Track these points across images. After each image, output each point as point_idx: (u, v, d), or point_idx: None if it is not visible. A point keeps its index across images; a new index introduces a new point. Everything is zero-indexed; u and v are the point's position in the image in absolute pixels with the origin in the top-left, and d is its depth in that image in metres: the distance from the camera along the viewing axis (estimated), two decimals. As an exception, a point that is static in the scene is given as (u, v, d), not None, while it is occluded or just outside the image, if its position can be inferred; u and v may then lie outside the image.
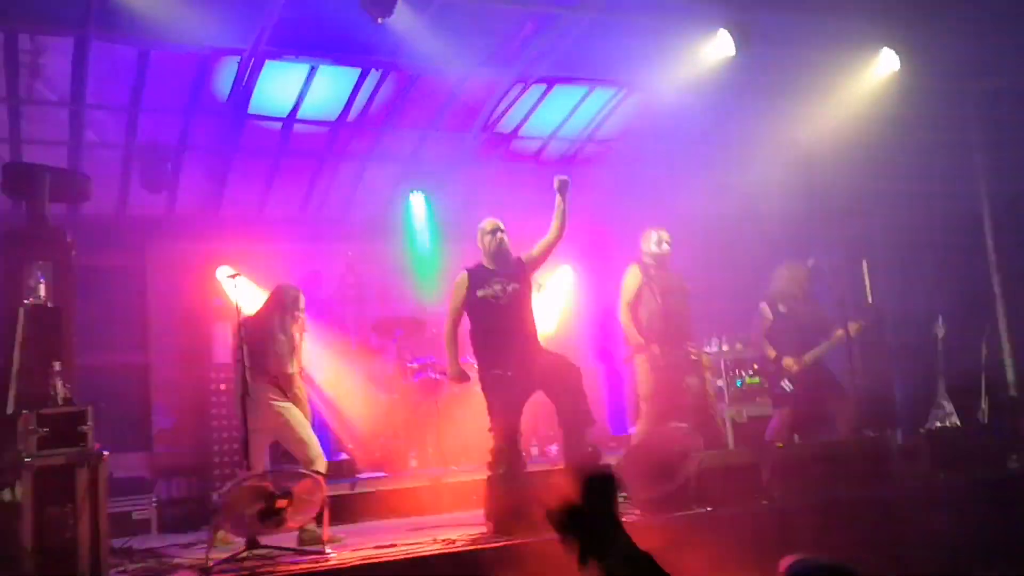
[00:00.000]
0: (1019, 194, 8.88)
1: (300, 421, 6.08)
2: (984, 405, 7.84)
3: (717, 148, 9.16)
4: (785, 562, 1.87)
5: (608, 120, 9.79)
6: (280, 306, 6.24)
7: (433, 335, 9.13)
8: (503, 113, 9.34)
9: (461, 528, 5.81)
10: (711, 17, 7.72)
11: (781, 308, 7.68)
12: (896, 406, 9.48)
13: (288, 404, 6.09)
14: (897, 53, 8.34)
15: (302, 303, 6.35)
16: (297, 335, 6.24)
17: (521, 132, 9.79)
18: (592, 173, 9.91)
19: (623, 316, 7.21)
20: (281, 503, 5.11)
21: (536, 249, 6.28)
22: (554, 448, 8.80)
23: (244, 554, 5.09)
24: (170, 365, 8.96)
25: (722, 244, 9.22)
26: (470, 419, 7.83)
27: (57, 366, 4.73)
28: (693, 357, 7.23)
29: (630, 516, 5.80)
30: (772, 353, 7.64)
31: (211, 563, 4.85)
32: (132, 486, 7.75)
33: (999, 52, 8.13)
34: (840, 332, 7.46)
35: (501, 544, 5.12)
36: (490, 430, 6.04)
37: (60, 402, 4.63)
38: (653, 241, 7.20)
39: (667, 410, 6.95)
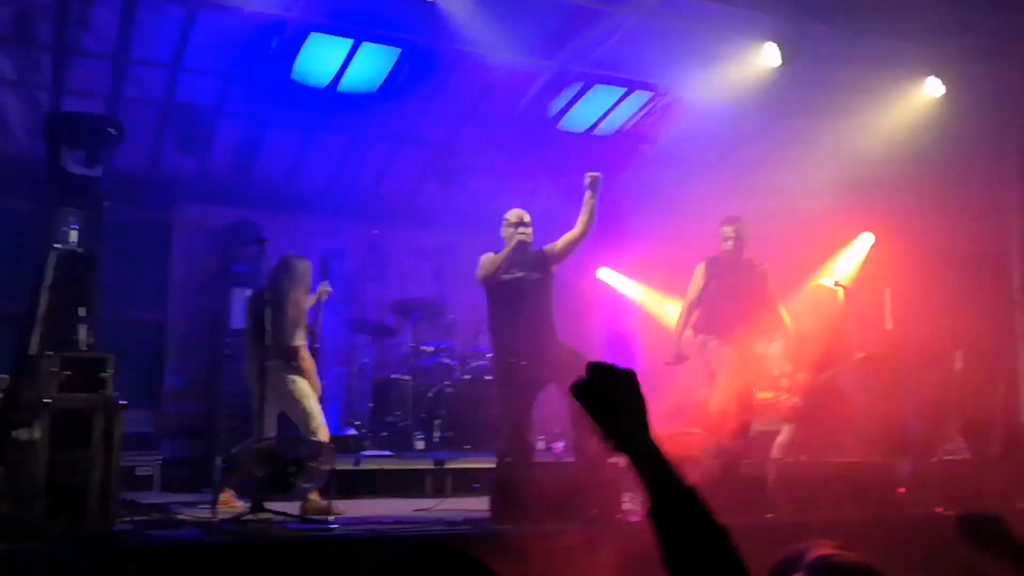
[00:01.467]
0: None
1: (305, 392, 6.10)
2: (997, 442, 7.78)
3: (754, 161, 9.11)
4: (811, 553, 1.83)
5: (645, 122, 9.76)
6: (289, 277, 6.25)
7: (450, 321, 9.16)
8: (540, 106, 9.33)
9: (464, 512, 5.82)
10: (760, 28, 7.68)
11: (803, 325, 7.65)
12: (907, 435, 9.42)
13: (294, 375, 6.12)
14: (943, 81, 8.28)
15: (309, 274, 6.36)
16: (305, 306, 6.26)
17: (558, 126, 9.77)
18: (623, 172, 9.88)
19: (677, 317, 7.12)
20: (290, 470, 5.13)
21: (560, 243, 6.28)
22: (560, 445, 8.79)
23: (248, 516, 5.11)
24: (186, 326, 9.01)
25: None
26: (481, 405, 7.86)
27: (83, 312, 4.76)
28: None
29: (633, 519, 5.79)
30: (788, 367, 7.61)
31: (216, 521, 4.87)
32: (138, 442, 7.76)
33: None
34: (859, 355, 7.45)
35: (504, 531, 5.12)
36: (499, 417, 6.05)
37: (83, 348, 4.65)
38: (721, 236, 7.09)
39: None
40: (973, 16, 7.12)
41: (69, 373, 4.38)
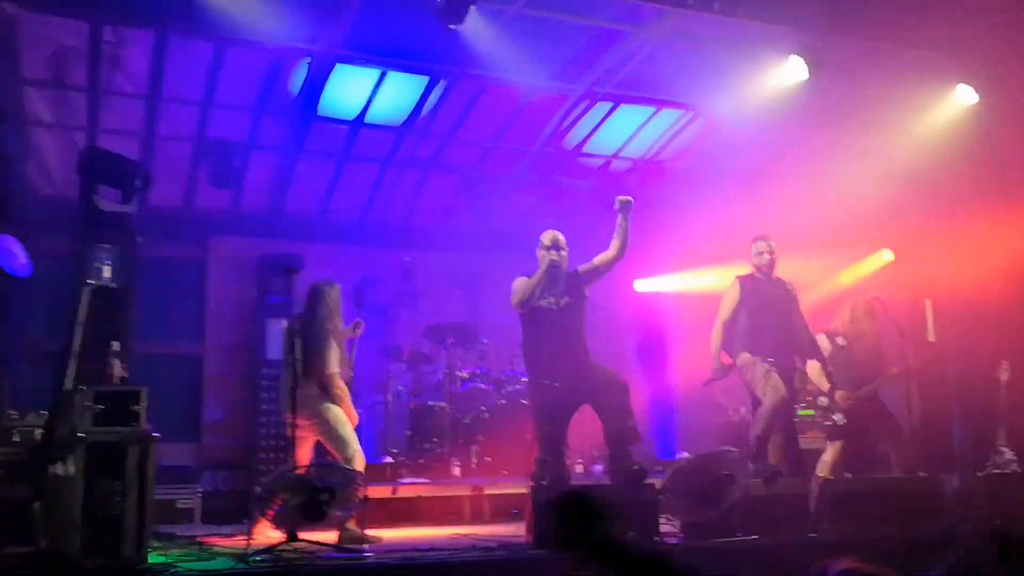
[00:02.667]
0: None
1: (341, 419, 6.09)
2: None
3: (784, 176, 9.04)
4: (834, 567, 1.79)
5: (673, 141, 9.75)
6: (324, 304, 6.26)
7: (484, 346, 9.16)
8: (568, 128, 9.35)
9: (501, 538, 5.78)
10: (784, 42, 7.63)
11: (840, 341, 7.52)
12: (954, 448, 9.21)
13: (329, 403, 6.11)
14: (974, 89, 8.15)
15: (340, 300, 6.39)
16: (340, 333, 6.26)
17: (585, 149, 9.79)
18: (654, 193, 9.87)
19: (713, 335, 7.01)
20: (323, 498, 5.12)
21: (593, 264, 6.28)
22: (598, 468, 8.72)
23: (283, 546, 5.11)
24: (224, 358, 9.09)
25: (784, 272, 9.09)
26: (517, 430, 7.81)
27: (116, 346, 4.82)
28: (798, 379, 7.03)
29: (672, 540, 5.72)
30: (826, 385, 7.47)
31: (250, 552, 4.88)
32: (179, 475, 7.82)
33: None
34: (895, 370, 7.32)
35: (540, 556, 5.07)
36: (535, 440, 6.01)
37: (117, 381, 4.71)
38: (754, 251, 7.04)
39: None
40: (1001, 20, 7.01)
41: (103, 407, 4.42)
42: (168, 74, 7.83)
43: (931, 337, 8.68)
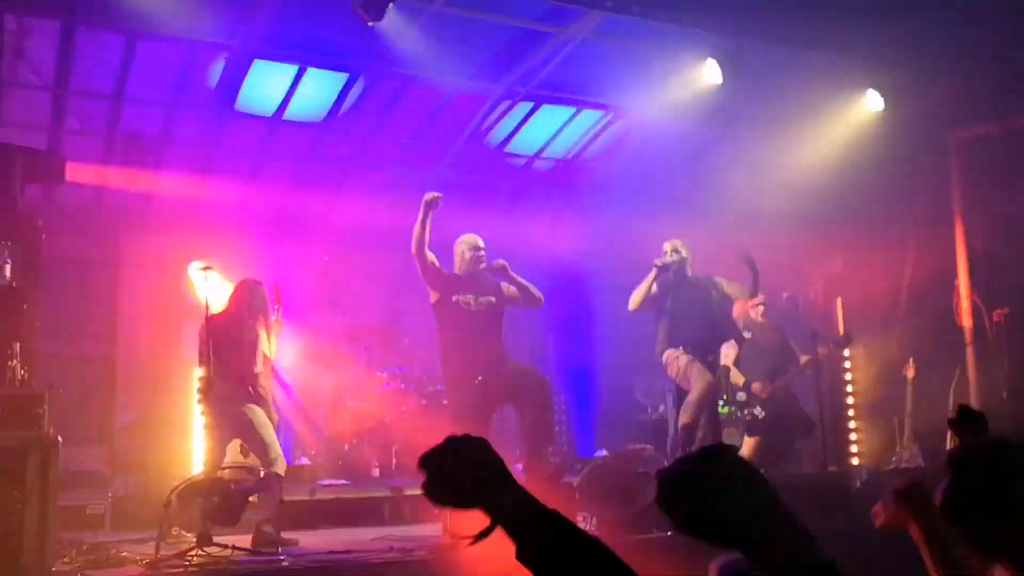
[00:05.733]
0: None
1: (262, 422, 5.99)
2: (949, 448, 7.85)
3: (701, 175, 9.19)
4: (714, 567, 1.83)
5: (595, 142, 9.82)
6: (248, 304, 6.15)
7: (405, 346, 9.10)
8: (490, 128, 9.35)
9: (420, 539, 5.75)
10: (701, 45, 7.75)
11: (746, 335, 7.71)
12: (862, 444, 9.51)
13: (252, 404, 6.00)
14: (882, 94, 8.40)
15: (267, 300, 6.28)
16: (264, 334, 6.16)
17: (508, 148, 9.80)
18: (575, 193, 9.95)
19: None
20: (236, 500, 5.03)
21: (510, 293, 6.32)
22: (518, 467, 8.74)
23: (194, 551, 5.00)
24: (137, 360, 8.84)
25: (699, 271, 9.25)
26: (438, 431, 7.77)
27: (16, 348, 4.64)
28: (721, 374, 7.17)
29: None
30: (740, 380, 7.64)
31: (160, 558, 4.76)
32: (88, 479, 7.59)
33: (981, 99, 8.21)
34: (806, 358, 7.52)
35: (457, 553, 5.06)
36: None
37: (17, 384, 4.54)
38: (665, 250, 7.17)
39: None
40: (909, 29, 7.23)
41: (0, 411, 4.26)
42: (77, 66, 7.59)
43: (841, 332, 8.93)
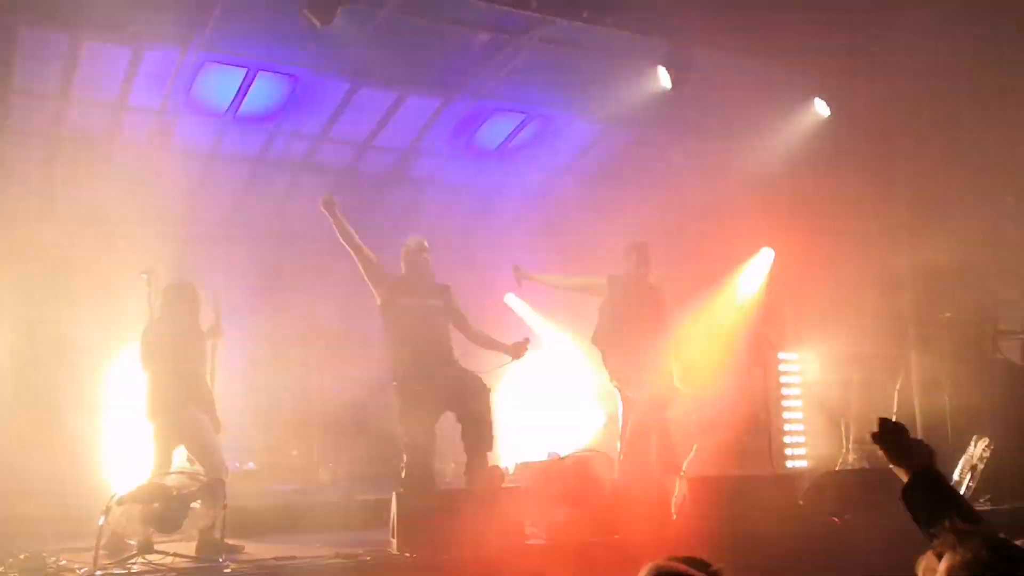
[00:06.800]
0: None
1: (204, 426, 5.92)
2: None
3: (651, 183, 9.27)
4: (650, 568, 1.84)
5: (539, 146, 9.83)
6: (181, 306, 6.06)
7: (355, 349, 9.03)
8: (444, 131, 9.34)
9: (368, 545, 5.70)
10: (650, 53, 7.82)
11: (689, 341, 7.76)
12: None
13: (195, 410, 5.92)
14: (827, 103, 8.53)
15: (199, 301, 6.21)
16: (201, 336, 6.08)
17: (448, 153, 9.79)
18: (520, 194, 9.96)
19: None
20: (177, 506, 4.96)
21: (457, 308, 6.38)
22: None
23: (135, 558, 4.92)
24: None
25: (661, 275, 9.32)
26: (388, 435, 7.73)
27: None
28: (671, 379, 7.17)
29: (537, 541, 5.77)
30: (688, 387, 7.68)
31: (99, 564, 4.67)
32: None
33: (922, 107, 8.37)
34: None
35: (403, 559, 5.04)
36: (402, 445, 6.00)
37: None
38: (625, 258, 7.15)
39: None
40: (853, 38, 7.36)
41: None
42: (19, 66, 7.45)
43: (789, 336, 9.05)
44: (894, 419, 2.44)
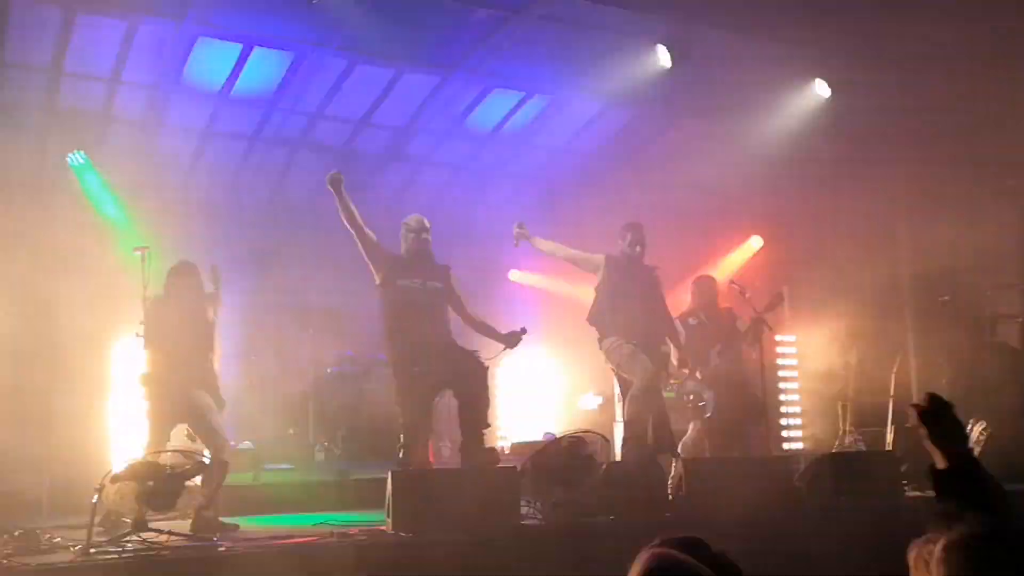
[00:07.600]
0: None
1: (209, 406, 5.89)
2: (889, 433, 7.98)
3: (650, 162, 9.22)
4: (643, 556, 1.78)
5: (541, 125, 9.78)
6: (184, 284, 6.02)
7: (352, 329, 9.00)
8: (441, 109, 9.26)
9: (363, 525, 5.69)
10: (651, 31, 7.75)
11: (692, 321, 7.72)
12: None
13: (199, 389, 5.89)
14: (829, 84, 8.47)
15: (202, 279, 6.16)
16: (203, 315, 6.05)
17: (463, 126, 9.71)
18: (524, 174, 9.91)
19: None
20: (172, 485, 4.94)
21: (457, 295, 6.32)
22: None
23: (129, 536, 4.89)
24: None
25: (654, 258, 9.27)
26: (385, 415, 7.71)
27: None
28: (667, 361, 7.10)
29: (532, 521, 5.76)
30: (685, 371, 7.65)
31: (92, 542, 4.65)
32: (26, 464, 7.41)
33: (924, 93, 8.31)
34: (746, 320, 7.56)
35: (398, 538, 5.03)
36: (400, 425, 5.98)
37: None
38: (621, 238, 7.07)
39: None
40: (856, 20, 7.29)
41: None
42: (13, 38, 7.37)
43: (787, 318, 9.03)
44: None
